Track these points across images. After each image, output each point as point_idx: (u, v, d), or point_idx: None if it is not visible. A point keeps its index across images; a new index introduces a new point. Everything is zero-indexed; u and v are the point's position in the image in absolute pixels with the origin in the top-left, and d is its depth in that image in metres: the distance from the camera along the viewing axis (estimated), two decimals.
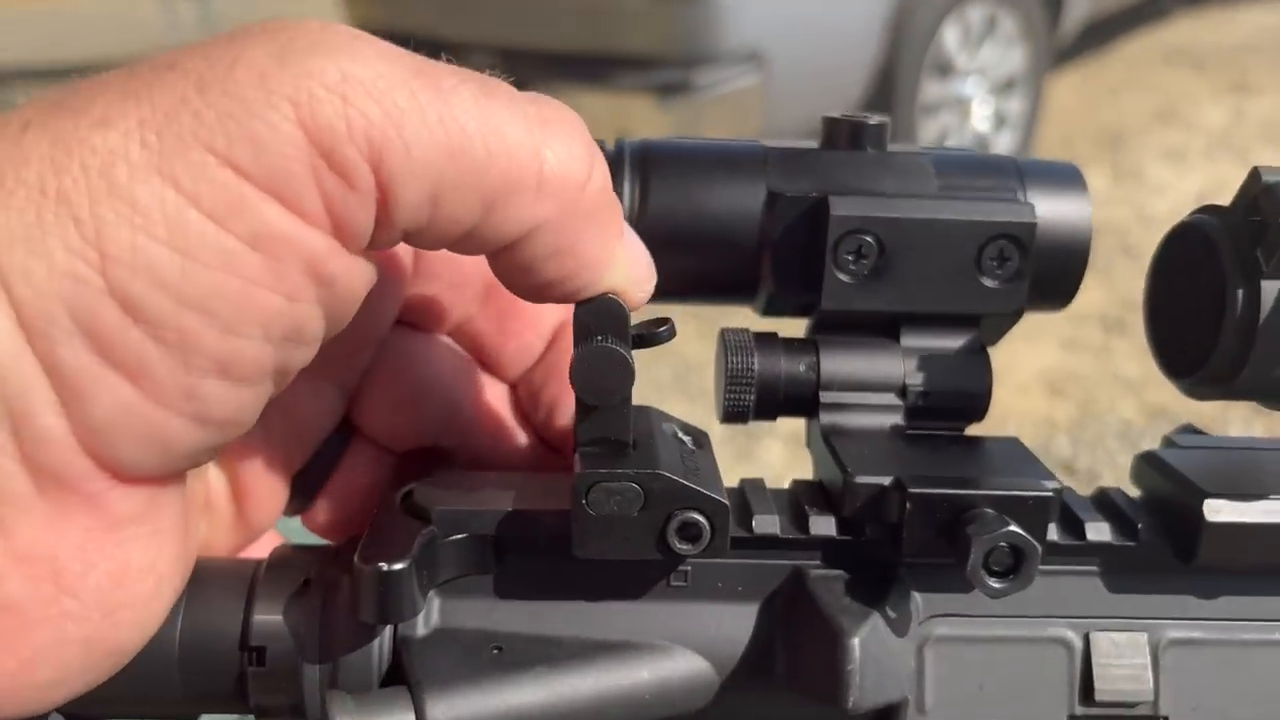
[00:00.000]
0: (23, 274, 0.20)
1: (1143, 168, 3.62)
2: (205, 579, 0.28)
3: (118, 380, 0.21)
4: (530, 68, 2.98)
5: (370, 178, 0.22)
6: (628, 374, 0.26)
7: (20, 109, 0.22)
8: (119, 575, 0.23)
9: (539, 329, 0.32)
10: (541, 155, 0.24)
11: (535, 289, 0.26)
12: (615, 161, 0.32)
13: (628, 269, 0.27)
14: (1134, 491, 0.32)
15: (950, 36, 3.18)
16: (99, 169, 0.21)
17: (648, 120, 2.76)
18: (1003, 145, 3.43)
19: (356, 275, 0.24)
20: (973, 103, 3.34)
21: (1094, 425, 2.39)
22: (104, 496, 0.22)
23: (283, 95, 0.21)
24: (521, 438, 0.33)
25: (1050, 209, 0.31)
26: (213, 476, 0.30)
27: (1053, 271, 0.31)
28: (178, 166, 0.21)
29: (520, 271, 0.25)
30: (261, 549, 0.31)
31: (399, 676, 0.27)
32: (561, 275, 0.25)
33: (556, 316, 0.32)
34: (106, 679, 0.25)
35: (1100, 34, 4.61)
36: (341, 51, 0.22)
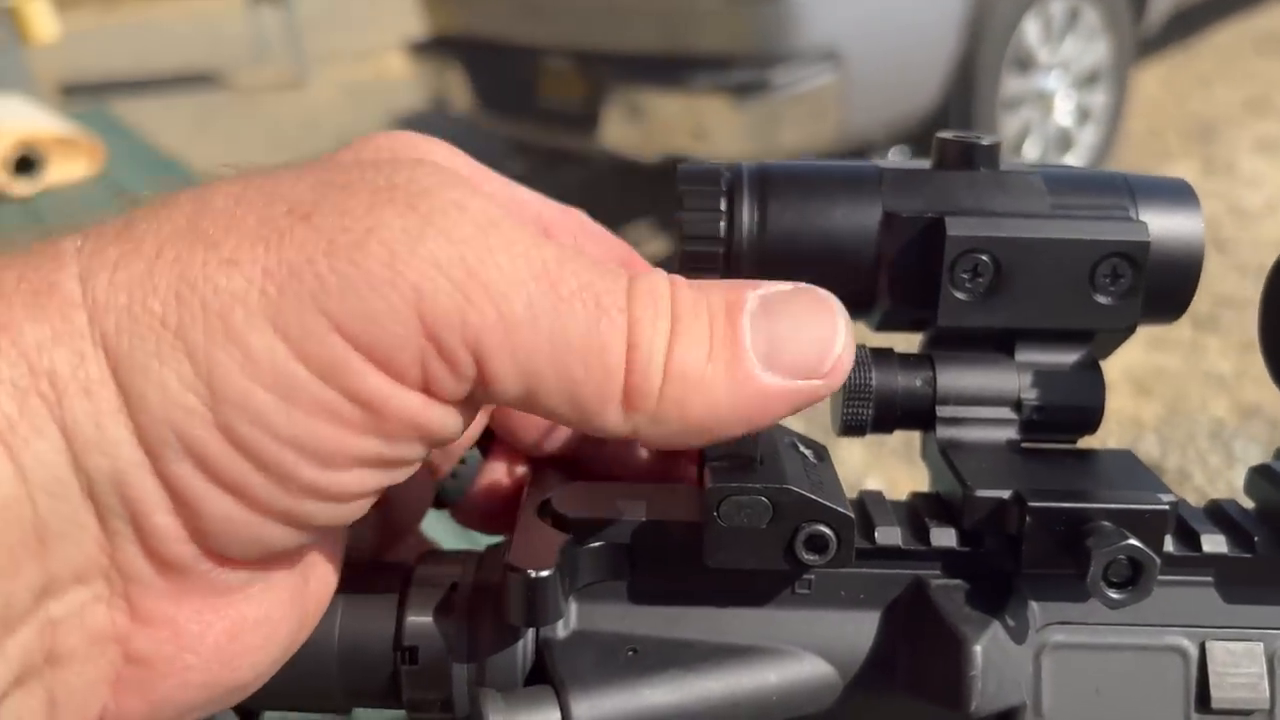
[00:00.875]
0: (140, 398, 0.22)
1: (1235, 160, 3.52)
2: (362, 583, 0.30)
3: (221, 495, 0.23)
4: (606, 70, 3.00)
5: (473, 368, 0.23)
6: None
7: (147, 219, 0.23)
8: (233, 631, 0.25)
9: None
10: (643, 368, 0.24)
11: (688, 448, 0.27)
12: (733, 183, 0.33)
13: (784, 378, 0.25)
14: (1247, 503, 0.32)
15: (1031, 30, 3.13)
16: (219, 311, 0.22)
17: (723, 121, 2.76)
18: (1086, 140, 3.37)
19: (453, 417, 0.25)
20: (1055, 97, 3.27)
21: (1184, 425, 2.33)
22: (214, 574, 0.24)
23: (408, 281, 0.22)
24: (644, 450, 0.34)
25: (1162, 225, 0.32)
26: None
27: (1166, 287, 0.32)
28: (292, 322, 0.22)
29: (656, 446, 0.26)
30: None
31: (541, 676, 0.28)
32: (703, 441, 0.26)
33: None
34: (272, 677, 0.27)
35: (1188, 23, 4.49)
36: (473, 243, 0.23)
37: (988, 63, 3.01)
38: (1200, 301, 2.71)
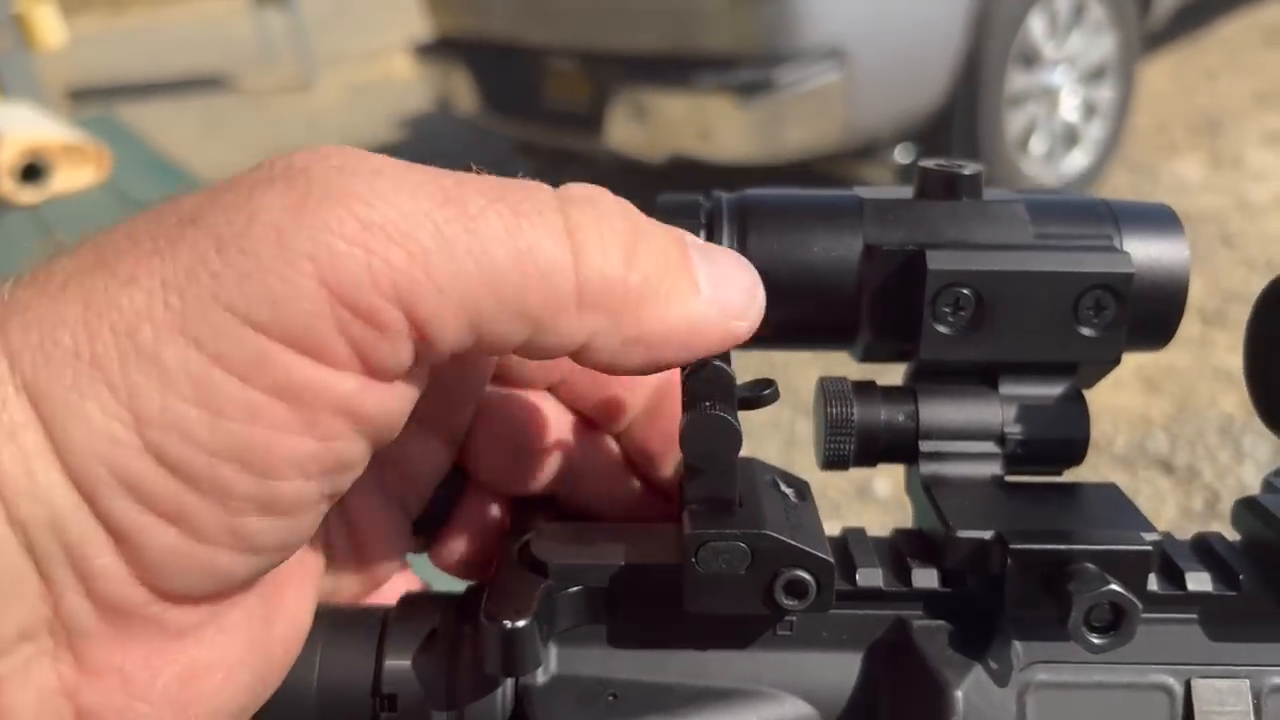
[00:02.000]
0: (64, 438, 0.21)
1: (1242, 153, 3.51)
2: (338, 627, 0.30)
3: (162, 526, 0.22)
4: (611, 70, 3.00)
5: (403, 320, 0.22)
6: (735, 439, 0.27)
7: (61, 258, 0.23)
8: (186, 677, 0.24)
9: (635, 384, 0.33)
10: (577, 269, 0.24)
11: (628, 373, 0.26)
12: (713, 213, 0.33)
13: (719, 313, 0.26)
14: (1233, 535, 0.32)
15: (1037, 25, 3.12)
16: (126, 331, 0.21)
17: (729, 120, 2.76)
18: (1093, 135, 3.35)
19: (394, 400, 0.24)
20: (1061, 92, 3.26)
21: (1193, 421, 2.32)
22: (163, 617, 0.24)
23: (300, 253, 0.22)
24: (627, 485, 0.34)
25: (1146, 253, 0.31)
26: (333, 530, 0.31)
27: (1150, 316, 0.31)
28: (200, 327, 0.21)
29: (602, 366, 0.26)
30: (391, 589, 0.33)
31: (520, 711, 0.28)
32: (643, 361, 0.26)
33: (654, 378, 0.33)
34: None
35: (1194, 16, 4.47)
36: (359, 196, 0.22)
37: (993, 59, 3.00)
38: (1209, 297, 2.70)
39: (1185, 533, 0.32)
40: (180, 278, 0.22)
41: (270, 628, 0.27)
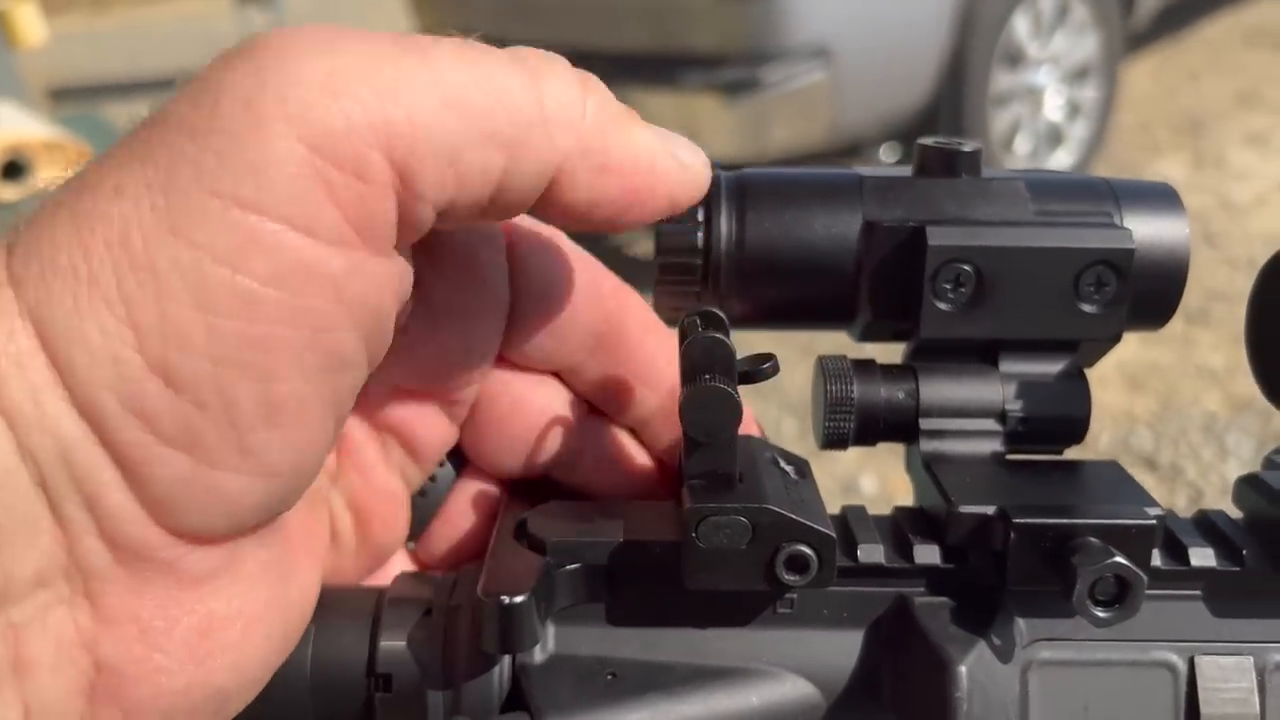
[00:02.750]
0: (69, 364, 0.21)
1: (1224, 153, 3.53)
2: (333, 607, 0.29)
3: (172, 454, 0.22)
4: (596, 69, 2.98)
5: (384, 163, 0.22)
6: (735, 411, 0.26)
7: (55, 191, 0.23)
8: (203, 628, 0.24)
9: (651, 382, 0.32)
10: (538, 91, 0.24)
11: (603, 219, 0.26)
12: (711, 192, 0.32)
13: (669, 148, 0.27)
14: (1235, 513, 0.32)
15: (1021, 25, 3.13)
16: (119, 241, 0.21)
17: (715, 119, 2.75)
18: (1077, 134, 3.37)
19: (384, 279, 0.24)
20: (1045, 92, 3.27)
21: (1176, 419, 2.33)
22: (180, 560, 0.23)
23: (272, 115, 0.21)
24: (626, 470, 0.34)
25: (1147, 231, 0.31)
26: (336, 506, 0.31)
27: (1151, 294, 0.31)
28: (187, 219, 0.21)
29: (579, 210, 0.26)
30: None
31: (519, 702, 0.28)
32: (619, 193, 0.26)
33: (670, 372, 0.32)
34: (241, 708, 0.26)
35: (1177, 17, 4.50)
36: (320, 50, 0.22)
37: (978, 58, 3.01)
38: (1191, 296, 2.71)
39: None
40: (162, 176, 0.21)
41: (286, 586, 0.27)
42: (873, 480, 2.14)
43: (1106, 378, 2.44)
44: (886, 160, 3.07)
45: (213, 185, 0.21)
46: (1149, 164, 3.53)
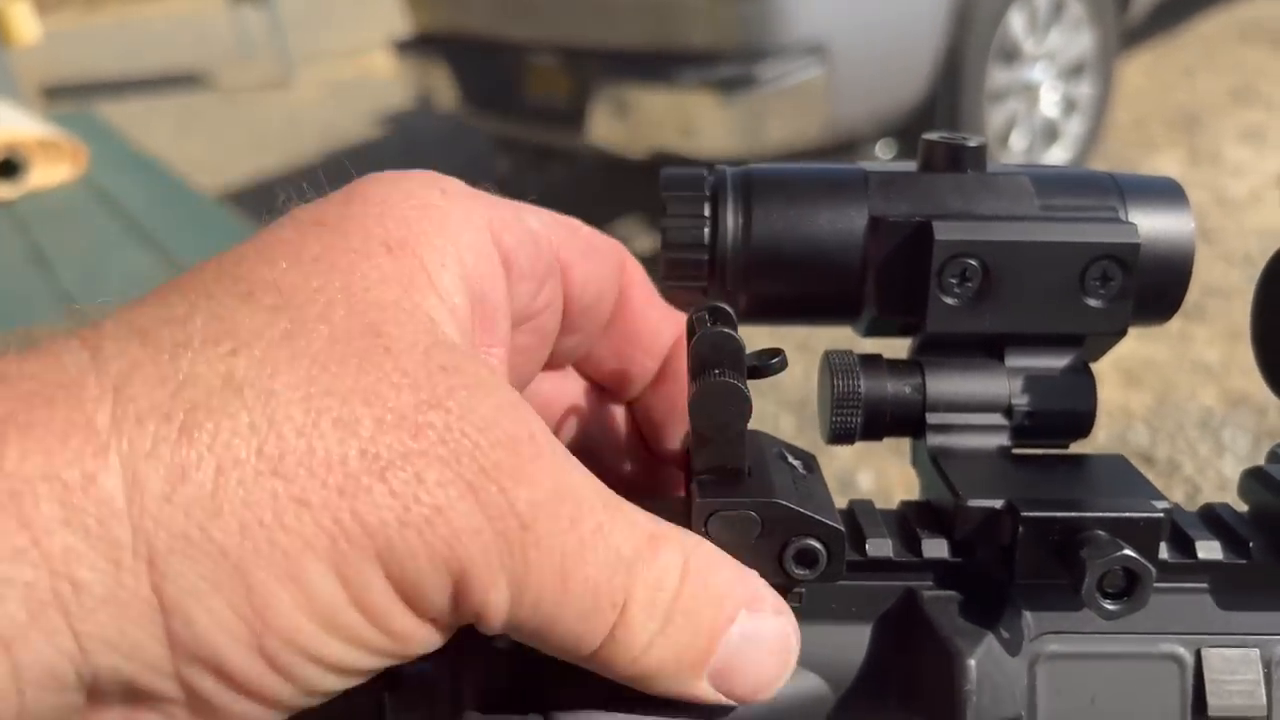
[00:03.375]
0: (180, 614, 0.21)
1: (1220, 149, 3.54)
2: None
3: (239, 699, 0.22)
4: (592, 66, 2.99)
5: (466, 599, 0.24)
6: (744, 406, 0.26)
7: (216, 407, 0.21)
8: None
9: (653, 351, 0.33)
10: (609, 640, 0.25)
11: None
12: (717, 187, 0.32)
13: (714, 694, 0.27)
14: (1241, 506, 0.32)
15: (1016, 22, 3.13)
16: (285, 550, 0.22)
17: (710, 116, 2.75)
18: (1072, 130, 3.37)
19: (442, 635, 0.25)
20: (1041, 88, 3.28)
21: (1173, 414, 2.34)
22: None
23: (459, 555, 0.23)
24: (635, 459, 0.34)
25: (1152, 226, 0.31)
26: None
27: (1157, 289, 0.31)
28: (353, 571, 0.22)
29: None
30: None
31: (522, 698, 0.28)
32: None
33: (669, 337, 0.33)
34: None
35: (1172, 13, 4.51)
36: (519, 489, 0.23)
37: (974, 55, 3.02)
38: (1188, 291, 2.71)
39: None
40: (356, 528, 0.22)
41: None
42: (870, 476, 2.14)
43: (1103, 374, 2.44)
44: (883, 157, 3.07)
45: (386, 561, 0.22)
46: (1145, 160, 3.54)
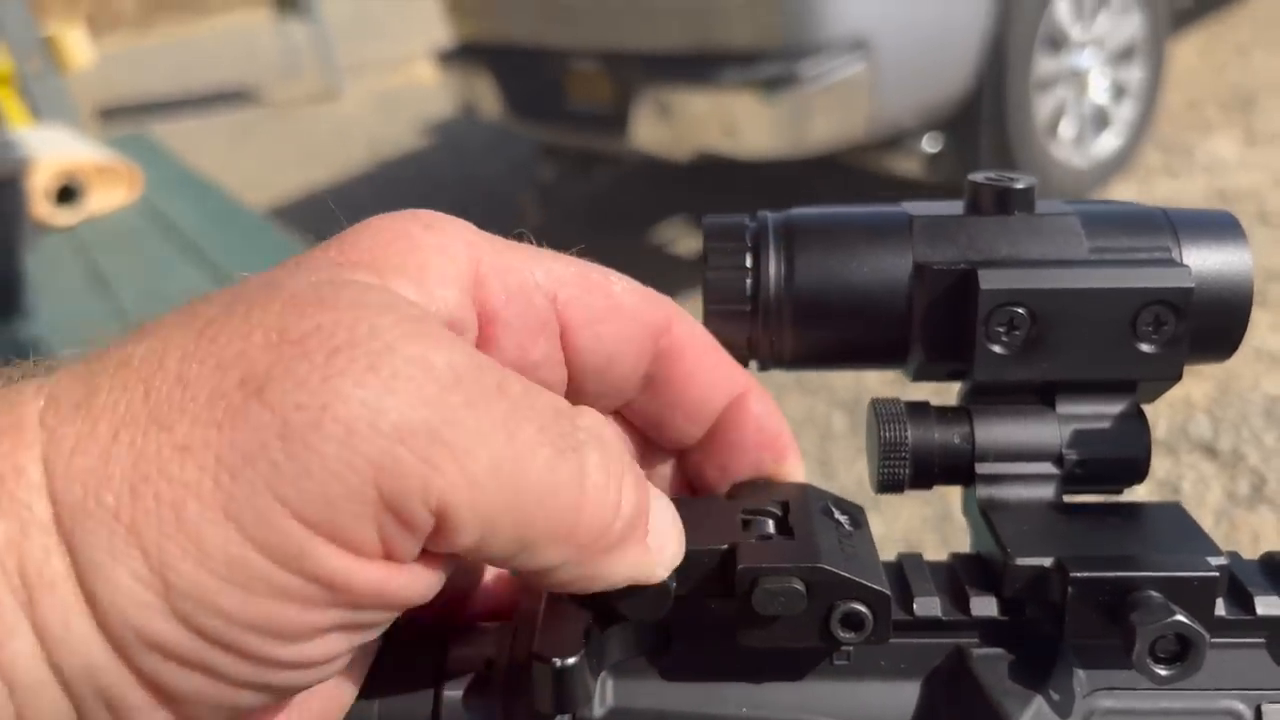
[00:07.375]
0: (95, 595, 0.21)
1: (1278, 129, 3.45)
2: (398, 663, 0.30)
3: (191, 674, 0.22)
4: (633, 70, 2.99)
5: (430, 523, 0.23)
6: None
7: (117, 382, 0.22)
8: None
9: (698, 417, 0.32)
10: (580, 516, 0.25)
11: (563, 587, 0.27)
12: (758, 234, 0.32)
13: (655, 562, 0.27)
14: None
15: (1062, 8, 3.08)
16: (171, 502, 0.21)
17: (754, 115, 2.74)
18: (1123, 116, 3.31)
19: (408, 579, 0.24)
20: (1089, 74, 3.21)
21: (1236, 404, 2.28)
22: None
23: (367, 459, 0.22)
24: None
25: (1207, 264, 0.30)
26: None
27: (1213, 330, 0.31)
28: (246, 510, 0.21)
29: (545, 583, 0.26)
30: None
31: None
32: (582, 588, 0.27)
33: (721, 399, 0.32)
34: None
35: None
36: (435, 405, 0.22)
37: (1019, 43, 2.97)
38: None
39: (1233, 519, 0.31)
40: (236, 458, 0.21)
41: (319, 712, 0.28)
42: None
43: None
44: (929, 150, 3.03)
45: (281, 490, 0.21)
46: (1199, 143, 3.46)
